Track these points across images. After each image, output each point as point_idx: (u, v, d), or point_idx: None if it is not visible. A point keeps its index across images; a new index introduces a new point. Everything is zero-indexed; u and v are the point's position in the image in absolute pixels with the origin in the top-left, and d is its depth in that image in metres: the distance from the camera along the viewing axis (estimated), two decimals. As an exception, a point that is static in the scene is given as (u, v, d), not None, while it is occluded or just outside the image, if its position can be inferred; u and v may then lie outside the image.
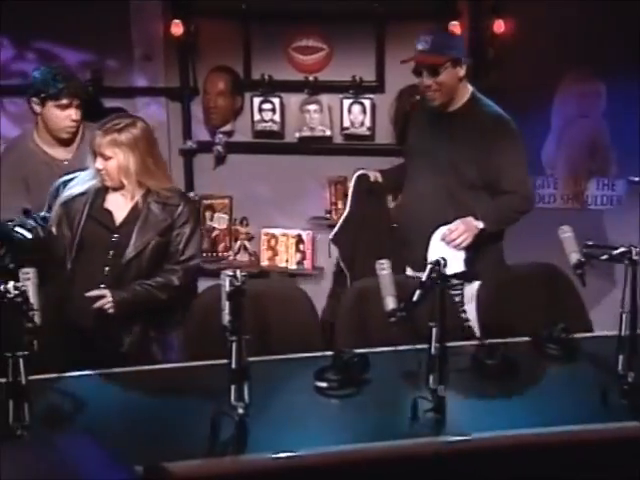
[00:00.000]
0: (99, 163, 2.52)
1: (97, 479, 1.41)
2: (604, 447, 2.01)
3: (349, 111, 3.77)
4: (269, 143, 3.89)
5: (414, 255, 2.87)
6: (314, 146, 3.83)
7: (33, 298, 1.97)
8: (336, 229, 3.16)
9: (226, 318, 1.99)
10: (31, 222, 2.40)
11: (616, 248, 2.14)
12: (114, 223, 2.54)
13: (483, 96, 2.95)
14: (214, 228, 3.96)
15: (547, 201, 3.93)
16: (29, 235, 2.34)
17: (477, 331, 2.65)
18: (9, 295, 1.86)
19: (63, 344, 2.39)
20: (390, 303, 2.17)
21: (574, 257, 2.27)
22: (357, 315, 2.68)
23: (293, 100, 3.85)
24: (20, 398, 1.81)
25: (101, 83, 3.82)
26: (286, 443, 1.94)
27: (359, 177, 3.09)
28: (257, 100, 3.83)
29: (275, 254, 3.93)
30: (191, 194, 3.86)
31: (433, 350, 2.04)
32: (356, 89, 3.75)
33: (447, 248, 2.74)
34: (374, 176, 3.10)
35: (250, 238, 3.98)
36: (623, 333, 2.12)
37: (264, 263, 3.95)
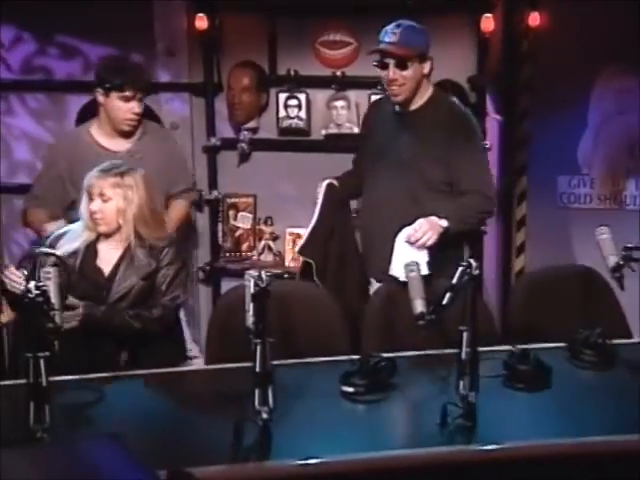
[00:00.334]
0: (96, 205, 2.54)
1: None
2: (642, 458, 1.99)
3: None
4: (295, 140, 3.89)
5: (376, 264, 2.84)
6: (341, 144, 3.82)
7: (54, 298, 2.00)
8: (303, 241, 3.03)
9: (250, 320, 2.00)
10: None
11: (656, 251, 2.12)
12: (104, 277, 2.59)
13: (444, 94, 2.96)
14: (238, 227, 3.98)
15: (583, 201, 3.89)
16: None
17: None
18: (30, 295, 1.89)
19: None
20: (419, 306, 2.17)
21: (612, 260, 2.25)
22: (384, 318, 2.68)
23: (320, 96, 3.85)
24: (41, 400, 1.84)
25: (123, 79, 3.85)
26: (311, 449, 1.95)
27: (329, 186, 2.99)
28: (282, 96, 3.83)
29: (301, 255, 3.94)
30: (214, 193, 3.89)
31: (464, 355, 2.03)
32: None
33: (412, 250, 2.68)
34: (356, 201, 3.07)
35: (275, 238, 3.99)
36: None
37: (289, 263, 3.95)
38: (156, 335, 2.59)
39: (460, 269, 2.12)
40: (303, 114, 3.84)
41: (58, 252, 2.47)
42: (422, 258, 2.63)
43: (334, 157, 3.84)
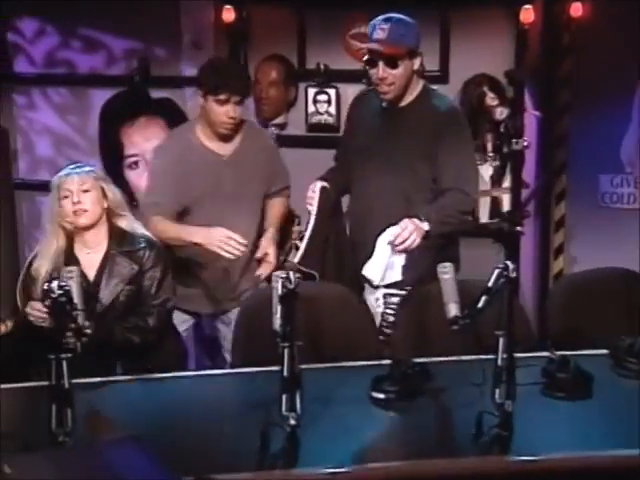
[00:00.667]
0: (77, 197, 2.65)
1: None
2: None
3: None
4: (324, 137, 3.89)
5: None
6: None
7: (77, 298, 2.01)
8: (302, 251, 2.92)
9: (277, 322, 2.00)
10: None
11: None
12: (89, 282, 2.64)
13: (434, 89, 2.91)
14: (264, 226, 3.99)
15: (626, 201, 3.85)
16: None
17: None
18: (53, 295, 1.90)
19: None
20: (452, 310, 2.15)
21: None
22: (416, 322, 2.67)
23: (350, 91, 3.83)
24: (63, 402, 1.85)
25: (148, 72, 3.88)
26: (340, 457, 1.94)
27: (322, 190, 2.90)
28: (312, 91, 3.84)
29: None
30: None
31: (500, 361, 2.01)
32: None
33: (393, 252, 2.61)
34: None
35: (302, 237, 3.98)
36: None
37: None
38: (152, 345, 2.66)
39: (496, 271, 2.10)
40: (333, 109, 3.84)
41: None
42: (400, 261, 2.61)
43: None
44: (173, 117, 3.88)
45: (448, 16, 3.67)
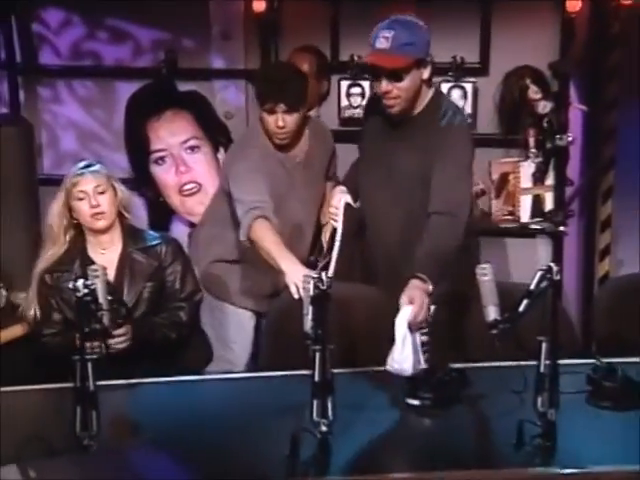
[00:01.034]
0: (95, 200, 2.69)
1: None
2: None
3: (448, 96, 3.73)
4: (358, 131, 3.86)
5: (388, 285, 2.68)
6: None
7: (102, 298, 2.03)
8: (333, 269, 2.84)
9: (309, 325, 2.00)
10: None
11: None
12: (111, 284, 2.59)
13: (445, 98, 2.80)
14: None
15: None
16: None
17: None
18: (78, 294, 1.92)
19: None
20: (492, 313, 2.14)
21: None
22: (454, 325, 2.66)
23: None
24: (88, 405, 1.86)
25: (175, 64, 3.90)
26: (373, 465, 1.94)
27: (347, 207, 2.84)
28: (345, 84, 3.83)
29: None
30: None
31: (542, 367, 2.00)
32: (456, 71, 3.70)
33: (413, 332, 2.33)
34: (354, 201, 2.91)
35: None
36: None
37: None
38: (186, 340, 2.72)
39: (539, 273, 2.09)
40: (366, 103, 3.84)
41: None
42: (418, 338, 2.34)
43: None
44: (201, 111, 3.90)
45: (489, 4, 3.63)
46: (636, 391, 2.24)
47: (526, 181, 3.67)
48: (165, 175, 3.99)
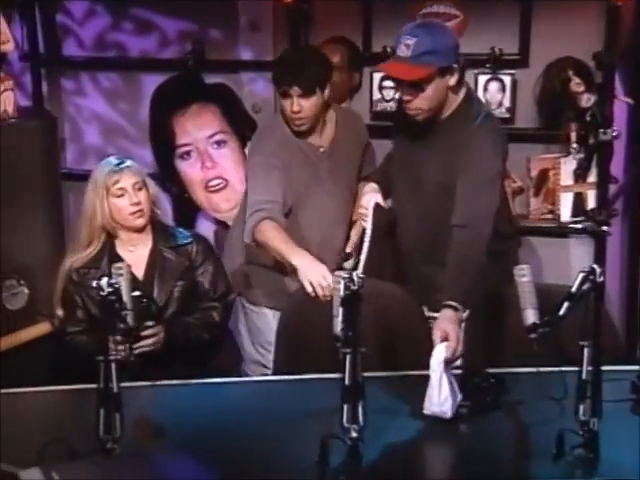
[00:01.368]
0: (136, 197, 2.71)
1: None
2: None
3: (485, 89, 3.70)
4: (390, 126, 3.85)
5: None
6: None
7: (126, 297, 2.03)
8: (363, 262, 2.83)
9: (339, 327, 1.99)
10: None
11: None
12: (140, 282, 2.67)
13: (476, 101, 2.72)
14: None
15: None
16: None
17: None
18: (102, 293, 1.93)
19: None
20: (530, 316, 2.12)
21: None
22: (490, 329, 2.63)
23: (419, 76, 3.81)
24: (111, 407, 1.87)
25: (202, 56, 3.92)
26: (405, 474, 1.93)
27: (377, 207, 2.82)
28: (377, 76, 3.81)
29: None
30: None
31: (584, 374, 1.97)
32: (495, 63, 3.67)
33: (447, 370, 2.25)
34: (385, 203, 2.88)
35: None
36: None
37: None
38: (218, 341, 2.75)
39: (581, 275, 2.06)
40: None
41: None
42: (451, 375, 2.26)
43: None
44: (228, 104, 3.91)
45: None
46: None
47: (567, 178, 3.63)
48: (190, 170, 4.01)
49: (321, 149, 2.95)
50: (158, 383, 2.38)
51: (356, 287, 1.98)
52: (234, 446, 2.08)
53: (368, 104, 3.86)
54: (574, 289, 2.06)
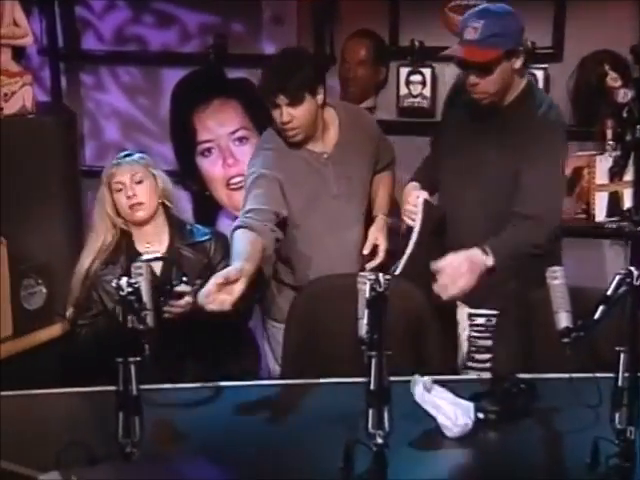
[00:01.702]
0: (132, 190, 2.73)
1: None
2: None
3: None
4: (417, 122, 3.86)
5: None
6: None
7: (146, 296, 2.04)
8: (402, 267, 2.80)
9: (364, 329, 1.99)
10: None
11: None
12: (156, 278, 2.65)
13: (538, 90, 2.76)
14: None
15: None
16: None
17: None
18: (122, 293, 1.93)
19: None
20: (563, 320, 2.11)
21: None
22: (521, 332, 2.62)
23: (448, 71, 3.78)
24: (130, 410, 1.88)
25: (225, 50, 3.93)
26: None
27: (426, 204, 2.79)
28: (404, 71, 3.81)
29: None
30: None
31: (620, 381, 1.95)
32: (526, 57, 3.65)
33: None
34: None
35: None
36: None
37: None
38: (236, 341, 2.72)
39: (617, 278, 2.04)
40: (428, 92, 3.81)
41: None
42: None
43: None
44: (250, 100, 3.91)
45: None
46: None
47: (602, 177, 3.60)
48: (212, 167, 4.02)
49: (324, 155, 2.85)
50: (178, 386, 2.39)
51: (382, 289, 1.97)
52: (255, 451, 2.08)
53: (395, 100, 3.85)
54: (610, 292, 2.05)
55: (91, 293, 2.77)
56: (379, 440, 1.90)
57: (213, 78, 3.97)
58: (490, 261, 2.54)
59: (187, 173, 4.03)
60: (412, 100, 3.84)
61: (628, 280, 2.01)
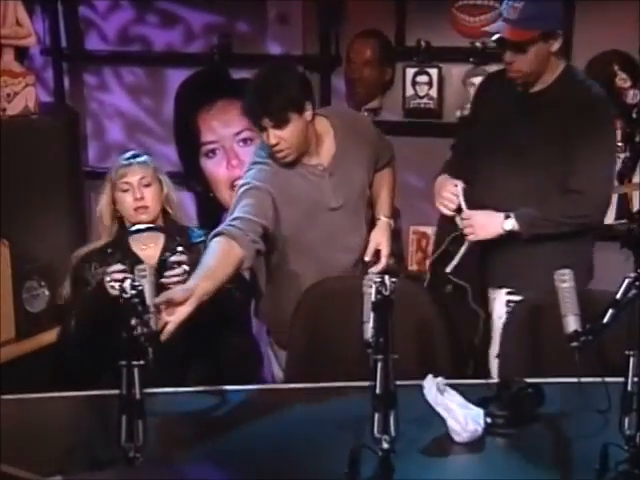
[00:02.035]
0: (140, 192, 2.73)
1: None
2: None
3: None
4: (424, 123, 3.86)
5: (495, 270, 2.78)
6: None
7: (149, 299, 2.04)
8: (456, 262, 2.85)
9: (369, 332, 1.99)
10: None
11: None
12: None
13: (578, 72, 2.81)
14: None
15: None
16: None
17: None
18: (125, 295, 1.93)
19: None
20: (572, 324, 2.11)
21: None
22: (528, 336, 2.61)
23: (455, 71, 3.81)
24: (133, 414, 1.87)
25: (229, 50, 3.94)
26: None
27: (466, 191, 2.83)
28: (411, 71, 3.82)
29: (426, 257, 3.90)
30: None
31: (630, 385, 1.94)
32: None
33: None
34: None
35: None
36: None
37: (412, 267, 3.92)
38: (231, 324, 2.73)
39: (626, 281, 2.04)
40: (434, 93, 3.81)
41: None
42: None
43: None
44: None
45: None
46: None
47: (611, 179, 3.60)
48: (216, 169, 4.03)
49: (320, 167, 2.78)
50: (182, 390, 2.39)
51: (388, 292, 1.97)
52: (260, 456, 2.08)
53: (401, 101, 3.85)
54: (619, 295, 2.05)
55: (83, 290, 2.77)
56: (385, 445, 1.89)
57: (217, 78, 3.98)
58: (510, 225, 2.67)
59: (191, 174, 4.04)
60: (418, 101, 3.84)
61: (637, 283, 2.01)
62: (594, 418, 2.14)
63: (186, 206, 4.03)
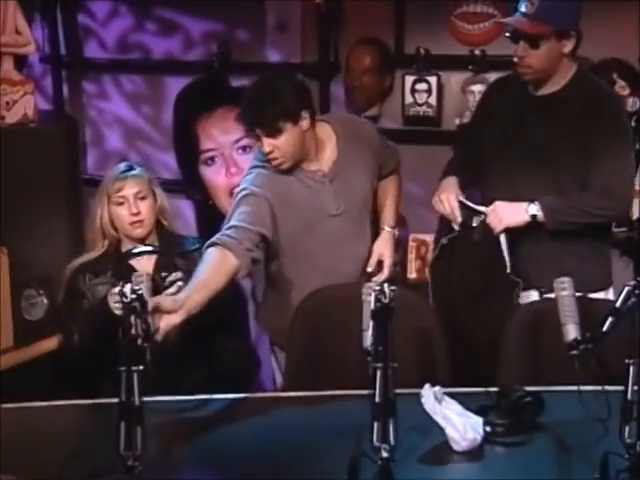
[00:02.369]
0: (136, 207, 2.74)
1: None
2: None
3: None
4: (423, 131, 3.87)
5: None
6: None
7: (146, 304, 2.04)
8: (508, 259, 2.85)
9: (369, 340, 1.99)
10: None
11: None
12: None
13: (590, 75, 2.86)
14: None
15: None
16: None
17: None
18: (125, 300, 1.94)
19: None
20: (571, 332, 2.12)
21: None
22: (527, 344, 2.62)
23: (454, 79, 3.81)
24: (132, 421, 1.87)
25: (228, 58, 3.94)
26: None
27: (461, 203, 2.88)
28: (410, 79, 3.82)
29: (425, 265, 3.90)
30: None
31: (630, 394, 1.94)
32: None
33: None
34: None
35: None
36: None
37: (412, 275, 3.92)
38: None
39: (626, 289, 2.05)
40: (433, 100, 3.82)
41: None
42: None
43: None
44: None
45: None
46: None
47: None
48: (215, 176, 4.03)
49: (320, 173, 2.77)
50: (181, 398, 2.39)
51: (387, 300, 1.97)
52: (259, 464, 2.08)
53: (400, 108, 3.86)
54: (619, 304, 2.06)
55: (78, 301, 2.77)
56: (384, 454, 1.90)
57: (217, 86, 3.99)
58: (534, 211, 2.72)
59: (190, 182, 4.04)
60: (417, 109, 3.85)
61: (637, 292, 2.01)
62: (594, 427, 2.14)
63: (185, 214, 4.05)
